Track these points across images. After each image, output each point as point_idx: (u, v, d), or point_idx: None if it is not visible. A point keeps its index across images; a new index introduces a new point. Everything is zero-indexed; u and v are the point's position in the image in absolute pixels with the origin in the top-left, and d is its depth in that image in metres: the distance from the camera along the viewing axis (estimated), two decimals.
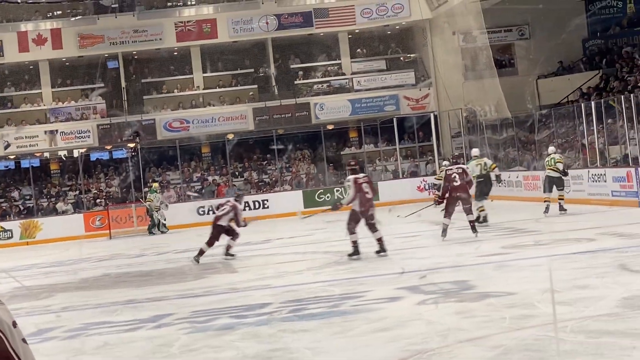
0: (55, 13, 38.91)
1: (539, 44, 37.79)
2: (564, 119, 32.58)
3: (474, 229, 17.74)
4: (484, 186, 23.14)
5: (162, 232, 29.29)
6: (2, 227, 30.65)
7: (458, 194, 17.81)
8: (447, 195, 18.01)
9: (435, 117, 37.43)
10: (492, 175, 23.57)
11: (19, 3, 37.97)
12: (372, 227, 16.60)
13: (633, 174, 22.23)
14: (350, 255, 16.50)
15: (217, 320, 10.98)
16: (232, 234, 17.84)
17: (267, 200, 33.89)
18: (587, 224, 18.36)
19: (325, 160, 37.52)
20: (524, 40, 38.97)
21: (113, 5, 37.70)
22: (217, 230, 18.43)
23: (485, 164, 23.83)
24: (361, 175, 17.09)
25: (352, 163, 20.02)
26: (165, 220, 29.97)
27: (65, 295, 14.90)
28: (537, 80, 37.59)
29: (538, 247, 15.54)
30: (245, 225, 19.57)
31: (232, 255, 18.05)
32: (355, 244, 16.52)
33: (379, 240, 16.50)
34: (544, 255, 14.13)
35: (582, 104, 30.00)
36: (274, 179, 36.91)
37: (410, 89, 39.19)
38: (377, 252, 15.59)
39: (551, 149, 24.95)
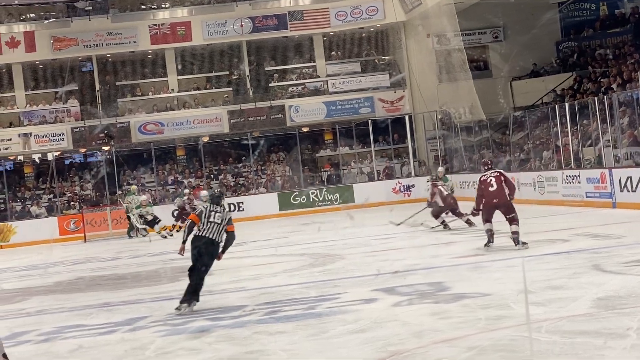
0: (28, 15, 38.78)
1: (512, 46, 38.01)
2: (538, 120, 32.75)
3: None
4: None
5: (143, 236, 28.83)
6: None
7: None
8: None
9: (410, 119, 37.97)
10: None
11: None
12: (510, 221, 16.16)
13: (607, 175, 22.49)
14: (486, 244, 16.23)
15: (192, 323, 10.91)
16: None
17: (242, 202, 34.02)
18: (562, 225, 18.54)
19: (301, 162, 37.65)
20: (498, 43, 39.25)
21: (87, 8, 37.44)
22: None
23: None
24: (488, 172, 16.64)
25: (487, 161, 19.12)
26: (154, 220, 29.13)
27: (40, 299, 14.90)
28: (511, 82, 37.93)
29: (512, 249, 15.48)
30: None
31: None
32: (489, 232, 16.24)
33: (513, 233, 16.07)
34: (519, 256, 14.24)
35: (556, 106, 30.28)
36: (249, 181, 36.86)
37: (385, 91, 39.46)
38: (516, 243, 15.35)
39: (441, 169, 25.64)
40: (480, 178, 16.73)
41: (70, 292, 15.92)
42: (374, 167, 37.51)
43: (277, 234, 25.95)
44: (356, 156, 39.06)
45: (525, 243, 15.87)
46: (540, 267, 12.48)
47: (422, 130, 38.93)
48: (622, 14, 37.25)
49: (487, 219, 16.28)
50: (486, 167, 18.23)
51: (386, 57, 42.00)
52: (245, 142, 37.39)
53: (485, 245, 16.25)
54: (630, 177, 21.80)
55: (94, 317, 12.02)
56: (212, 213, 12.79)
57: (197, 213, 13.09)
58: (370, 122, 37.84)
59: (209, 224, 12.66)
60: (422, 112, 38.12)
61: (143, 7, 39.58)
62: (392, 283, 13.04)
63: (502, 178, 16.52)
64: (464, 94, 36.18)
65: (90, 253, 24.96)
